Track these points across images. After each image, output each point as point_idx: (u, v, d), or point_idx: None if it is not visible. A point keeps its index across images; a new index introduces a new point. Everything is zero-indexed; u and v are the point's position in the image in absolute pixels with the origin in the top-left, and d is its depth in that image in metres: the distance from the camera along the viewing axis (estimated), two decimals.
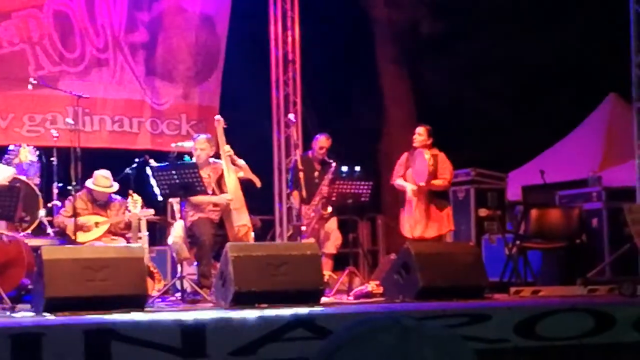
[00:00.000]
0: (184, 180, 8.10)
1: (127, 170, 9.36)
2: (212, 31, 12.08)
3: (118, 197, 8.98)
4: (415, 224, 9.24)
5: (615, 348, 6.42)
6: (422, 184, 9.16)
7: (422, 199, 9.26)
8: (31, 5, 11.04)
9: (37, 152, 9.67)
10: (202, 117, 11.83)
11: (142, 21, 11.69)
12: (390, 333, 1.36)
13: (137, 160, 9.33)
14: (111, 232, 8.82)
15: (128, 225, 8.70)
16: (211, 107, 11.81)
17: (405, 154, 9.49)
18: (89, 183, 8.88)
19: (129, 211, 8.56)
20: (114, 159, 10.16)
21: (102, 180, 8.87)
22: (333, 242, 9.73)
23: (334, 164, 9.62)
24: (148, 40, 11.70)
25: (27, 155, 9.50)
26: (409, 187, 9.32)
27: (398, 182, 9.48)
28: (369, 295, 8.34)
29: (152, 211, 8.70)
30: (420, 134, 9.33)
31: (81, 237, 8.63)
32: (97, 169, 9.00)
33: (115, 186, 8.96)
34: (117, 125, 11.44)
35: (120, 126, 11.47)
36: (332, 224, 9.83)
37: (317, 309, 6.60)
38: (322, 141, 9.83)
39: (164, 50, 11.77)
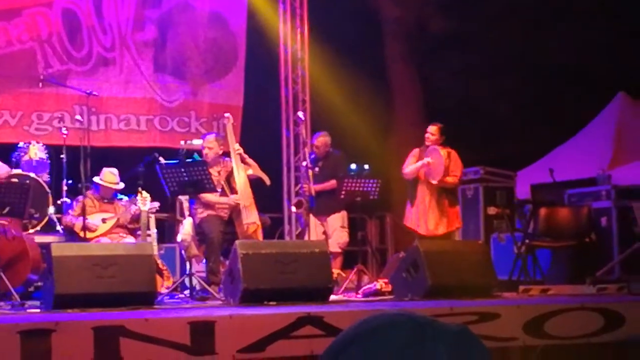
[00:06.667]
0: (193, 177, 8.10)
1: (138, 167, 9.38)
2: (223, 29, 12.04)
3: (124, 197, 9.03)
4: (427, 220, 9.21)
5: (624, 347, 6.41)
6: (435, 182, 9.14)
7: (434, 195, 9.24)
8: (40, 3, 11.06)
9: (46, 150, 9.69)
10: (214, 116, 11.76)
11: (151, 18, 11.68)
12: (404, 329, 1.36)
13: (146, 157, 9.34)
14: (120, 226, 8.85)
15: (135, 219, 8.74)
16: (230, 106, 11.56)
17: (417, 150, 9.45)
18: (96, 179, 8.94)
19: (136, 205, 8.62)
20: (122, 157, 10.18)
21: (109, 176, 8.94)
22: (335, 240, 9.75)
23: (310, 166, 9.54)
24: (157, 37, 11.69)
25: (37, 152, 9.51)
26: (424, 161, 9.26)
27: (410, 167, 9.35)
28: (377, 293, 8.33)
29: (157, 204, 8.72)
30: (433, 133, 9.30)
31: (89, 233, 8.67)
32: (106, 166, 9.07)
33: (121, 185, 9.02)
34: (123, 124, 11.43)
35: (126, 124, 11.46)
36: (336, 222, 9.85)
37: (325, 307, 6.60)
38: (319, 140, 10.01)
39: (173, 47, 11.77)
